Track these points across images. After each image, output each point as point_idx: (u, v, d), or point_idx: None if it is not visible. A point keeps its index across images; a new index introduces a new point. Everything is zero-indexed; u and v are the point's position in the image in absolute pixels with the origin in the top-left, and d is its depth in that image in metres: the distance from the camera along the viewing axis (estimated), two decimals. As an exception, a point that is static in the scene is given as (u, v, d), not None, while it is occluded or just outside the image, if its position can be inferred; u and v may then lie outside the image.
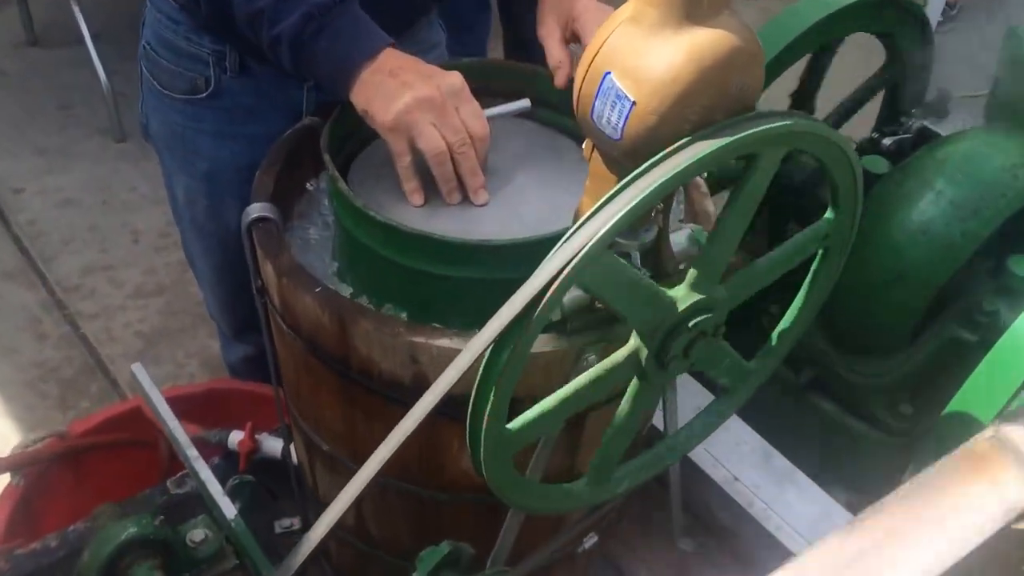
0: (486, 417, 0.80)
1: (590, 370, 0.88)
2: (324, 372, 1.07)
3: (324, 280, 1.14)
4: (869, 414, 1.54)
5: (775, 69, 1.55)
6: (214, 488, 1.27)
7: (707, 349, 0.94)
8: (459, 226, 1.09)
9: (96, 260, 2.95)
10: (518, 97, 1.24)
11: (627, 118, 0.81)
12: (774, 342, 1.09)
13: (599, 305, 0.95)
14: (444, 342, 0.96)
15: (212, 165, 1.40)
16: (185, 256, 1.73)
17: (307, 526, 1.53)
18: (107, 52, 3.28)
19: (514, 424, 0.85)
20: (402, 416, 1.04)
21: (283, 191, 1.18)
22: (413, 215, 1.10)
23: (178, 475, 1.53)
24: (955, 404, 1.18)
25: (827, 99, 1.92)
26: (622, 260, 0.82)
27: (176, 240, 3.01)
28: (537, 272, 0.78)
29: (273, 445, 1.56)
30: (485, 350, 0.79)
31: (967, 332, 1.46)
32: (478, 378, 0.81)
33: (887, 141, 1.84)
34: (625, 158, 0.85)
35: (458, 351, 0.95)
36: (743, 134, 0.79)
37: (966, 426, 1.15)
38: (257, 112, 1.35)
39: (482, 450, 0.84)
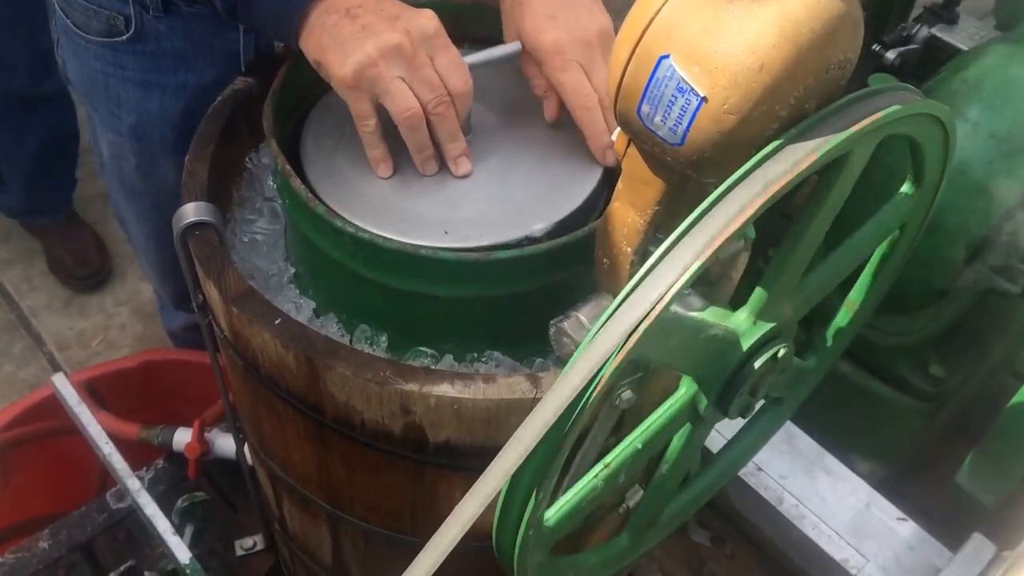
0: (523, 529, 0.61)
1: (630, 443, 0.69)
2: (290, 413, 0.86)
3: (280, 290, 0.93)
4: (894, 376, 1.38)
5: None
6: (162, 525, 1.07)
7: (775, 380, 0.76)
8: (437, 203, 0.87)
9: (8, 198, 2.68)
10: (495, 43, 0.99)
11: (694, 118, 0.60)
12: (829, 341, 0.92)
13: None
14: (444, 389, 0.75)
15: (139, 118, 1.19)
16: (115, 217, 1.52)
17: (271, 545, 1.35)
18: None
19: (551, 516, 0.67)
20: (391, 464, 0.86)
21: (218, 172, 0.95)
22: (380, 190, 0.88)
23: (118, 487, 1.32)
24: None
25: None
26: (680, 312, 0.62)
27: (93, 170, 2.73)
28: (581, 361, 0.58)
29: (226, 444, 1.36)
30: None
31: (1007, 282, 1.29)
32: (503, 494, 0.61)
33: (891, 54, 1.62)
34: (686, 166, 0.63)
35: (460, 400, 0.76)
36: (852, 131, 0.59)
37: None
38: (188, 58, 1.13)
39: (516, 554, 0.65)
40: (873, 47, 1.66)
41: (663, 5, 0.60)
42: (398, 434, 0.80)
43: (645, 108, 0.62)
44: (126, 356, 1.85)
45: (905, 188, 0.78)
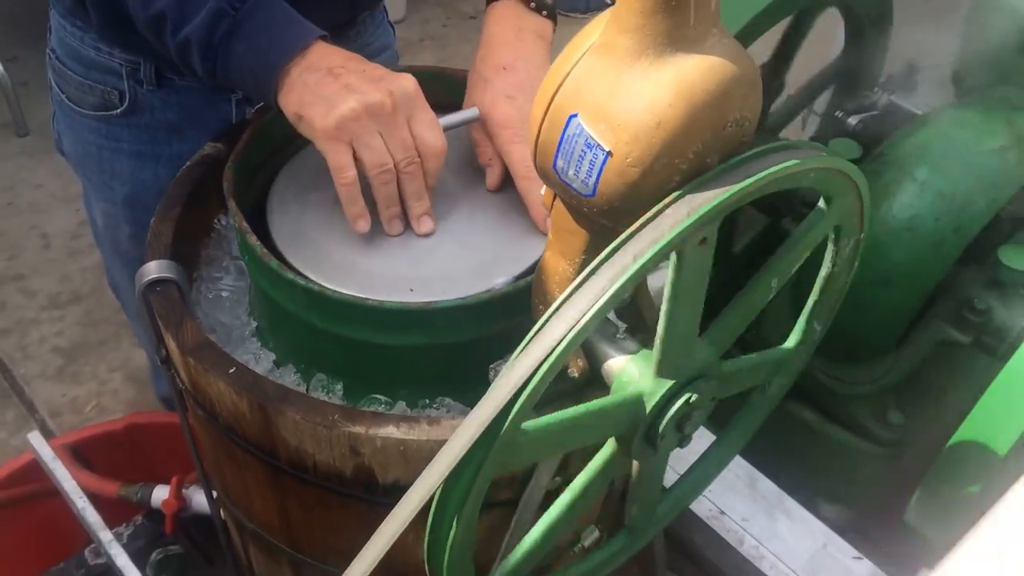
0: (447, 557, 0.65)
1: (563, 501, 0.73)
2: (248, 459, 0.90)
3: (241, 343, 0.97)
4: (855, 423, 1.42)
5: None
6: (134, 578, 1.10)
7: (708, 410, 0.79)
8: (402, 263, 0.92)
9: (5, 269, 2.75)
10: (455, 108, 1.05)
11: (601, 171, 0.65)
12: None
13: (571, 372, 0.80)
14: (389, 431, 0.80)
15: (133, 189, 1.24)
16: (108, 284, 1.56)
17: (246, 597, 1.37)
18: (3, 36, 3.01)
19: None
20: (345, 505, 0.90)
21: (187, 232, 1.00)
22: (346, 252, 0.93)
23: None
24: (965, 432, 1.05)
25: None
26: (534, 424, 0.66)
27: (91, 242, 2.79)
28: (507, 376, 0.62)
29: (203, 500, 1.39)
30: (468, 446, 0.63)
31: (958, 333, 1.33)
32: (435, 507, 0.65)
33: (853, 120, 1.69)
34: (600, 216, 0.69)
35: (405, 441, 0.80)
36: (747, 182, 0.64)
37: (982, 458, 1.03)
38: (182, 129, 1.18)
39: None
40: (836, 113, 1.73)
41: (572, 68, 0.66)
42: (349, 475, 0.84)
43: (560, 163, 0.68)
44: (112, 420, 1.87)
45: (821, 204, 0.80)
